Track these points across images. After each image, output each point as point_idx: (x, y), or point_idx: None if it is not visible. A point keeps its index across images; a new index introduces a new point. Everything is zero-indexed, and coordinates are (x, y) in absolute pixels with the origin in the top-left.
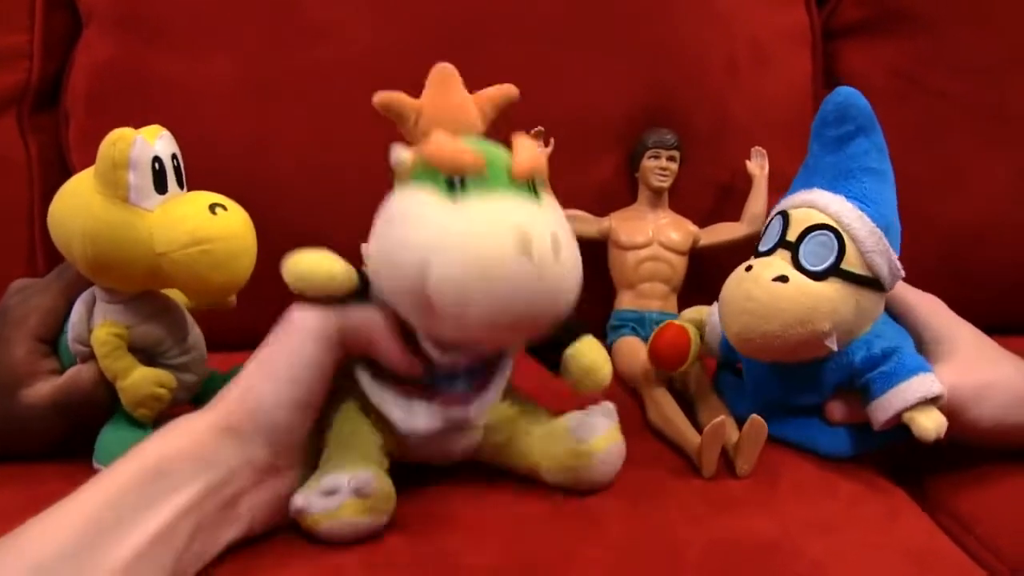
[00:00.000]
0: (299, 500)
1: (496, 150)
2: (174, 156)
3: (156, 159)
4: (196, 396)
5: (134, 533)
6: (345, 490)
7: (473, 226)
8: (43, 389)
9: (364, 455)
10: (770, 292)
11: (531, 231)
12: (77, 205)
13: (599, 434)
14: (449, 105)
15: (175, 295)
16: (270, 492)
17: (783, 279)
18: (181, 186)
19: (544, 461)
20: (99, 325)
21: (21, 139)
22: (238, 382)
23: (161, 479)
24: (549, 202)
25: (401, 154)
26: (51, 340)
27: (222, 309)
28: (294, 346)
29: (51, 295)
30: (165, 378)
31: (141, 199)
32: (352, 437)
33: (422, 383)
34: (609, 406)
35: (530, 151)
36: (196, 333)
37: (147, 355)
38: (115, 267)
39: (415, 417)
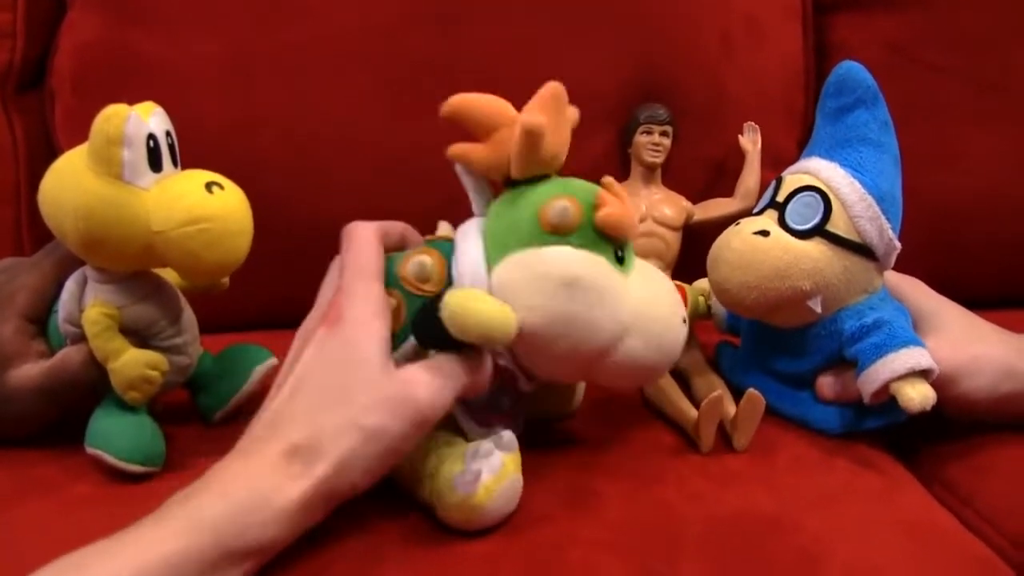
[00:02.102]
0: (467, 477)
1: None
2: (168, 133)
3: (151, 136)
4: (189, 379)
5: None
6: (495, 448)
7: (655, 309)
8: (31, 371)
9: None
10: (749, 244)
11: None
12: (69, 182)
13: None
14: (564, 137)
15: (167, 275)
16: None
17: (764, 233)
18: (176, 164)
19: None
20: (90, 305)
21: (6, 119)
22: (329, 443)
23: (232, 565)
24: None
25: (569, 208)
26: (39, 320)
27: (215, 291)
28: (411, 429)
29: (39, 274)
30: (157, 360)
31: (135, 176)
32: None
33: (480, 415)
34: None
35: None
36: (189, 314)
37: (139, 337)
38: (108, 245)
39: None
